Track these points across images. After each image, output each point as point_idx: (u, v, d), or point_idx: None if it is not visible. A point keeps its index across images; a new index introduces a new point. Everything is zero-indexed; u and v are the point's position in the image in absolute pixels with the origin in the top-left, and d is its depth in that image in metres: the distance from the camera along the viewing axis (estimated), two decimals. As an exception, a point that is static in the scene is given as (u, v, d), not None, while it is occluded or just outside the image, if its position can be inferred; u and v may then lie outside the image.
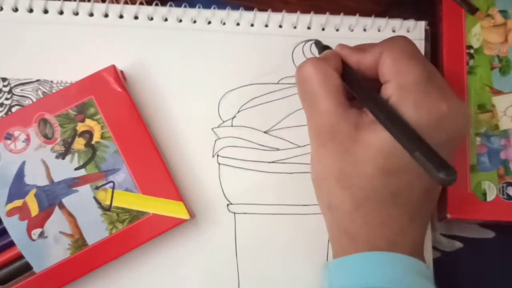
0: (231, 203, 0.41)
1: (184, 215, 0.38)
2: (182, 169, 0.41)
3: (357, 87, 0.34)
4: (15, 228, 0.37)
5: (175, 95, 0.42)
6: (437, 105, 0.31)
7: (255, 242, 0.41)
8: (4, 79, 0.41)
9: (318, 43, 0.41)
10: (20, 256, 0.37)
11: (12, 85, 0.41)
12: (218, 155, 0.42)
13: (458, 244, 0.43)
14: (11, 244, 0.37)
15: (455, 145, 0.34)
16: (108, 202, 0.38)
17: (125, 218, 0.38)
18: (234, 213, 0.41)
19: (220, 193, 0.41)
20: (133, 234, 0.38)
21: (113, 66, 0.39)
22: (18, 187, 0.37)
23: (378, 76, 0.34)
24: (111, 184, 0.38)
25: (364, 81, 0.34)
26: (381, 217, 0.32)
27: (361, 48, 0.35)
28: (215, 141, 0.42)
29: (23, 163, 0.37)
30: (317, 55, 0.42)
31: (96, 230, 0.37)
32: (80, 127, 0.38)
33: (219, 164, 0.42)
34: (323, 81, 0.33)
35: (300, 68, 0.35)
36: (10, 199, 0.37)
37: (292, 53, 0.43)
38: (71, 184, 0.38)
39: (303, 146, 0.42)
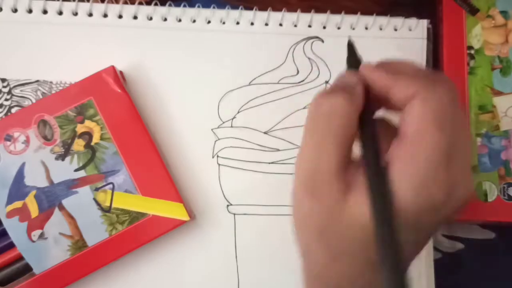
0: (231, 204, 0.41)
1: (184, 217, 0.38)
2: (182, 170, 0.41)
3: (366, 136, 0.29)
4: (15, 230, 0.37)
5: (175, 96, 0.42)
6: (440, 192, 0.27)
7: (254, 243, 0.41)
8: (3, 80, 0.41)
9: (350, 46, 0.34)
10: (20, 258, 0.37)
11: (11, 85, 0.41)
12: (218, 156, 0.42)
13: (459, 245, 0.42)
14: (11, 245, 0.37)
15: (441, 225, 0.31)
16: (108, 204, 0.38)
17: (125, 219, 0.38)
18: (234, 214, 0.41)
19: (220, 194, 0.41)
20: (133, 235, 0.38)
21: (113, 67, 0.39)
22: (18, 189, 0.37)
23: (400, 110, 0.29)
24: (111, 186, 0.38)
25: (375, 134, 0.29)
26: (356, 277, 0.30)
27: (395, 72, 0.29)
28: (215, 142, 0.42)
29: (23, 164, 0.37)
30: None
31: (96, 231, 0.37)
32: (80, 128, 0.38)
33: (219, 165, 0.42)
34: (339, 129, 0.28)
35: (322, 99, 0.29)
36: (10, 201, 0.37)
37: (293, 51, 0.43)
38: (71, 186, 0.37)
39: (304, 146, 0.42)
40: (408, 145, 0.27)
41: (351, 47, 0.33)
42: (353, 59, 0.33)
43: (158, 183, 0.38)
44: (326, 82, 0.43)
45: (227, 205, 0.41)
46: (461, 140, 0.28)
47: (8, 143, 0.37)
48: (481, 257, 0.42)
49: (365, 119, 0.29)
